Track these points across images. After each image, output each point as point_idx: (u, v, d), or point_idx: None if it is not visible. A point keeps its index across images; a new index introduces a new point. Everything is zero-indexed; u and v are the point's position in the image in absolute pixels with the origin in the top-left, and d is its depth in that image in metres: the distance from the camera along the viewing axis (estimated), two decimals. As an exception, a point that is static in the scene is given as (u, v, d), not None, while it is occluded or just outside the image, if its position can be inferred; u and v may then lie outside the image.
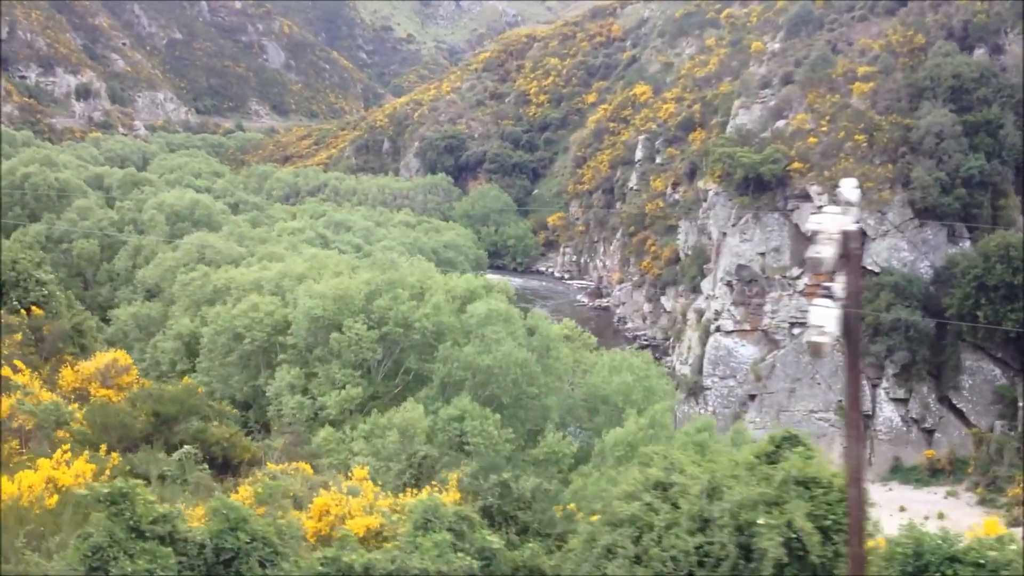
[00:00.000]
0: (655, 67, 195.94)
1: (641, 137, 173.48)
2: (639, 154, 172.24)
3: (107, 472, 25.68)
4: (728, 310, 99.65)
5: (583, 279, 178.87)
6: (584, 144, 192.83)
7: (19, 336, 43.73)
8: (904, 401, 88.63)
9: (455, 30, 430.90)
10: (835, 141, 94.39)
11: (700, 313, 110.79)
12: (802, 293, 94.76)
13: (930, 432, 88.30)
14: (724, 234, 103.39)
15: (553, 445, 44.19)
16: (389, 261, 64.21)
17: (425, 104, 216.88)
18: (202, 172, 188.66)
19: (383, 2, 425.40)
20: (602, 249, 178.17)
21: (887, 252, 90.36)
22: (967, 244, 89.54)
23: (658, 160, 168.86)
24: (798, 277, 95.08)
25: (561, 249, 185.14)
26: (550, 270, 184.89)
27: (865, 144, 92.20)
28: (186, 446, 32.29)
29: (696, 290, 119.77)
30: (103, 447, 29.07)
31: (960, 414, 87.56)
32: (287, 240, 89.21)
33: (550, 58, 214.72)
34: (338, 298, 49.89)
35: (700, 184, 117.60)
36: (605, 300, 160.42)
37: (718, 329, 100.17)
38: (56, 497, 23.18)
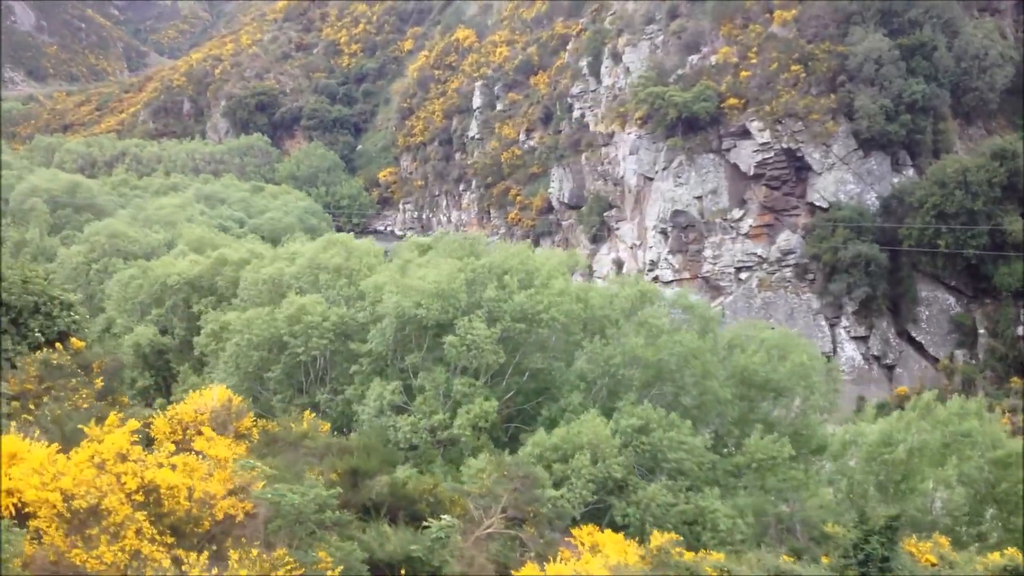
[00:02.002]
0: (473, 10, 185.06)
1: (478, 83, 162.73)
2: (477, 101, 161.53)
3: None
4: (666, 259, 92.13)
5: (428, 235, 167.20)
6: (408, 94, 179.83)
7: (84, 391, 32.48)
8: (864, 339, 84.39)
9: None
10: (768, 74, 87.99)
11: (619, 264, 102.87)
12: (747, 235, 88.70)
13: (890, 368, 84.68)
14: (649, 179, 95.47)
15: (768, 449, 34.61)
16: (469, 241, 51.42)
17: (226, 59, 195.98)
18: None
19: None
20: (445, 202, 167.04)
21: (834, 186, 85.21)
22: (911, 172, 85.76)
23: (499, 107, 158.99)
24: (741, 219, 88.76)
25: (400, 205, 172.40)
26: (389, 228, 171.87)
27: (803, 75, 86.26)
28: (444, 517, 24.08)
29: (597, 240, 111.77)
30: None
31: (919, 347, 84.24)
32: (204, 221, 73.33)
33: (357, 4, 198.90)
34: (438, 293, 38.09)
35: (601, 128, 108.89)
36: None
37: (656, 280, 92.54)
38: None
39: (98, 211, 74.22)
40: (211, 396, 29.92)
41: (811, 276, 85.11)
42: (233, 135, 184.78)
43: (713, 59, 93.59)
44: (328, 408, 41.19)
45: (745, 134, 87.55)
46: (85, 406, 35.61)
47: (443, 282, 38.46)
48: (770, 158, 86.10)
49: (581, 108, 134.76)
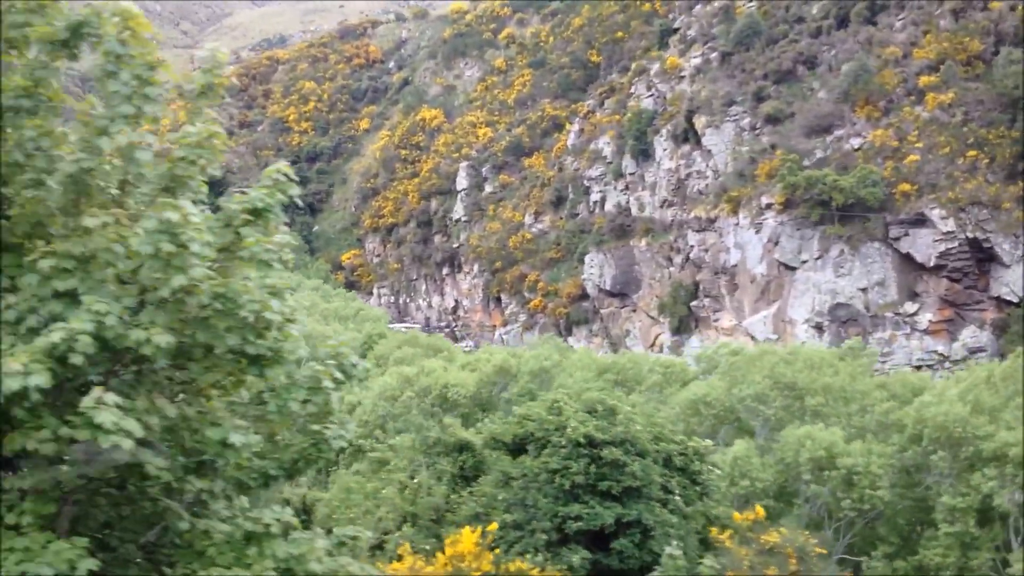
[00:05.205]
0: (436, 90, 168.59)
1: (463, 164, 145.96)
2: (463, 183, 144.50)
3: None
4: (825, 357, 77.95)
5: (404, 321, 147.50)
6: (371, 174, 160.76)
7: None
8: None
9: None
10: (939, 158, 76.45)
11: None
12: (926, 331, 75.94)
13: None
14: (791, 268, 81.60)
15: None
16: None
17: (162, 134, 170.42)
18: None
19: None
20: (424, 287, 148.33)
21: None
22: (1095, 265, 75.70)
23: (489, 188, 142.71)
24: (916, 313, 76.04)
25: (375, 290, 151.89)
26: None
27: (985, 161, 75.09)
28: None
29: (682, 330, 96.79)
30: None
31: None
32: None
33: (304, 82, 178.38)
34: None
35: (703, 212, 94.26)
36: (469, 344, 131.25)
37: (814, 380, 78.15)
38: None
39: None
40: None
41: (1004, 376, 72.78)
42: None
43: (855, 142, 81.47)
44: None
45: (919, 222, 75.30)
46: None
47: None
48: (953, 248, 74.05)
49: (602, 191, 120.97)
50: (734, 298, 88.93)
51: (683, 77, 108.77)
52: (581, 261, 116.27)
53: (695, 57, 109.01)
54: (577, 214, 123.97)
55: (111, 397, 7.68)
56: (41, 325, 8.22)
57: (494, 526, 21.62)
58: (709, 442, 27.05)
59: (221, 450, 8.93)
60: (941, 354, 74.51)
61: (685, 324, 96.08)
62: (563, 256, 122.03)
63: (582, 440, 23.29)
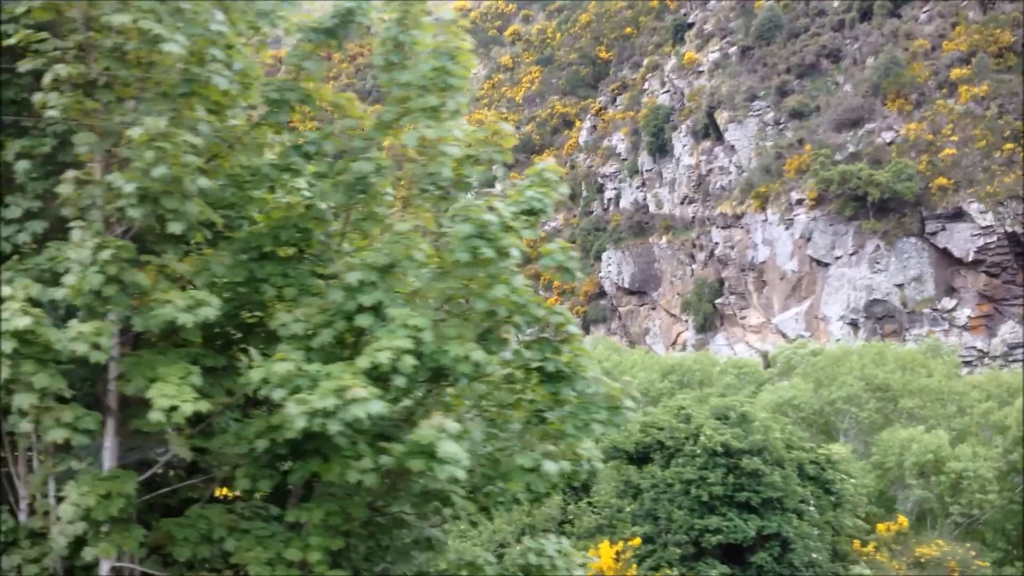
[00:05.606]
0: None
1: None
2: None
3: None
4: (860, 354, 76.45)
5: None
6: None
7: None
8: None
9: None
10: (975, 152, 74.95)
11: (766, 358, 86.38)
12: (965, 327, 74.52)
13: None
14: (824, 264, 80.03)
15: None
16: None
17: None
18: None
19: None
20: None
21: (1063, 273, 72.68)
22: None
23: (499, 187, 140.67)
24: (954, 309, 74.58)
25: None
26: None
27: (1023, 154, 73.60)
28: None
29: (707, 328, 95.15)
30: None
31: None
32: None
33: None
34: None
35: (729, 208, 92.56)
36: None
37: (850, 378, 76.66)
38: None
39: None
40: None
41: (1045, 372, 71.42)
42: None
43: (887, 136, 79.99)
44: None
45: (957, 216, 73.90)
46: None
47: None
48: (992, 243, 72.63)
49: (617, 188, 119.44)
50: (762, 295, 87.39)
51: (701, 72, 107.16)
52: (597, 259, 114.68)
53: (713, 52, 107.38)
54: (591, 211, 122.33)
55: (452, 425, 6.71)
56: (335, 340, 7.16)
57: (637, 541, 19.98)
58: (843, 449, 25.25)
59: (528, 478, 7.68)
60: (980, 350, 73.15)
61: (710, 322, 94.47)
62: (578, 254, 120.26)
63: (719, 449, 21.60)
